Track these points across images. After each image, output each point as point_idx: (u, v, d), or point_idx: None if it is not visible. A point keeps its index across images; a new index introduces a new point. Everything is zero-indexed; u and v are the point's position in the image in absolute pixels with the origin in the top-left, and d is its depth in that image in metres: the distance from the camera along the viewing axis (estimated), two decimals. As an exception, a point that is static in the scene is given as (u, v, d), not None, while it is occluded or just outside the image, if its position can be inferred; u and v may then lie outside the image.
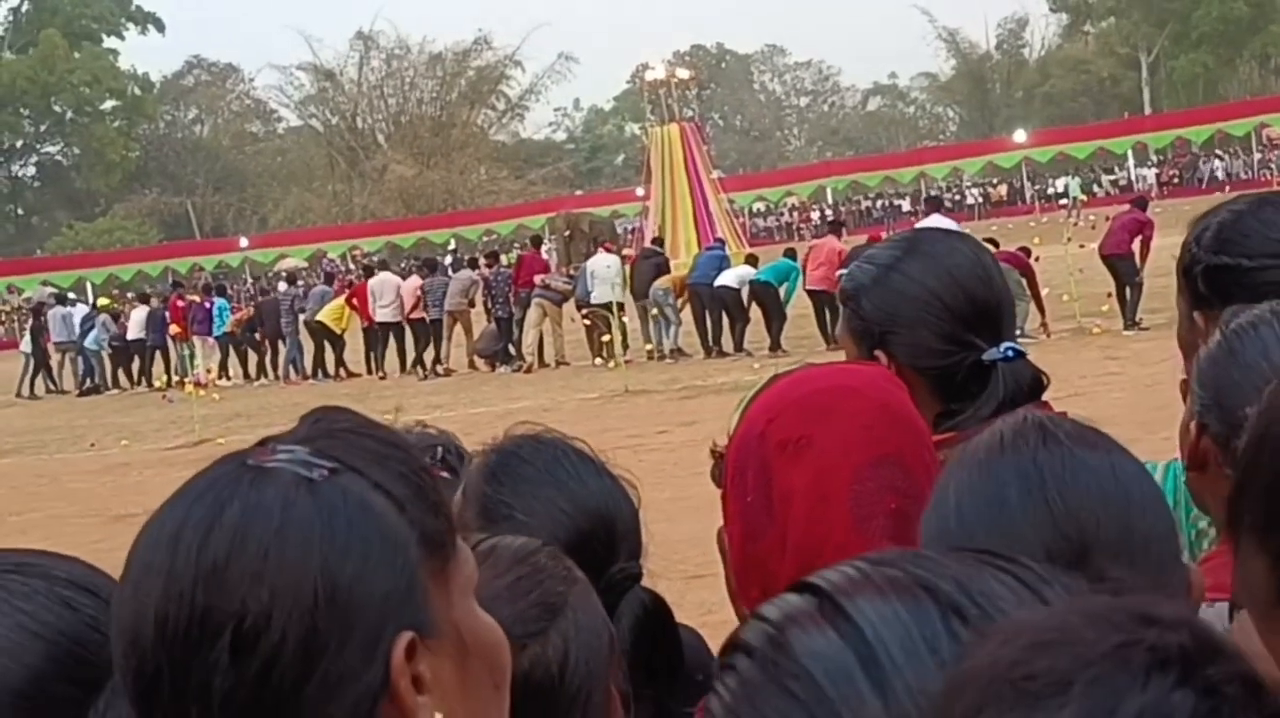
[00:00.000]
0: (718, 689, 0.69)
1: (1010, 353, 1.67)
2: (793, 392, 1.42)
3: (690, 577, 6.92)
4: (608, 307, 18.68)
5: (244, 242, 58.95)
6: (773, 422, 1.38)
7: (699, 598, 6.11)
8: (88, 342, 25.68)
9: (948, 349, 1.67)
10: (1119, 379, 12.84)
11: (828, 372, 1.50)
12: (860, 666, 0.63)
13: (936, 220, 16.69)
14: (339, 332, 22.26)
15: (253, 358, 24.05)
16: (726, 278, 18.70)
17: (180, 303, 24.67)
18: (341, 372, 22.37)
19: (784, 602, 0.69)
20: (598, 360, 19.20)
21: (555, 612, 1.18)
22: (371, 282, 22.25)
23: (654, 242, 22.88)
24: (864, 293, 1.73)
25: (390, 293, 21.66)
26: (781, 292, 18.53)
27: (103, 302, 27.48)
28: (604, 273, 19.53)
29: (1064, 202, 49.53)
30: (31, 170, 78.09)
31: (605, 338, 18.75)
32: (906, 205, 57.27)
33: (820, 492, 1.34)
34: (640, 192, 42.41)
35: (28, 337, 27.37)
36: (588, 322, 19.78)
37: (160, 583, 0.82)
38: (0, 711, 0.99)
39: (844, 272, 11.37)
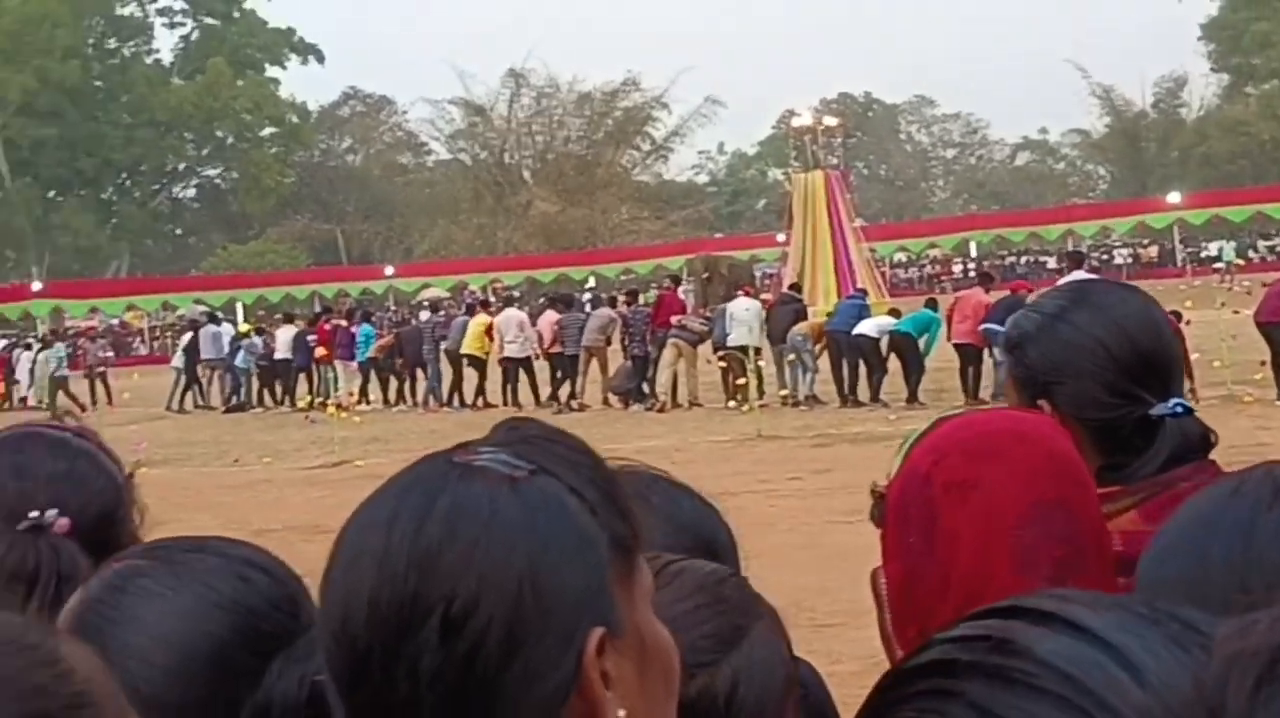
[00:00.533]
0: None
1: (1179, 408, 1.64)
2: (959, 434, 1.42)
3: (818, 625, 6.87)
4: (744, 350, 18.68)
5: (389, 270, 60.21)
6: (938, 463, 1.38)
7: (826, 647, 6.07)
8: (237, 360, 26.41)
9: (1114, 402, 1.65)
10: (1269, 450, 12.43)
11: (994, 416, 1.50)
12: (1108, 657, 0.59)
13: (1079, 278, 16.38)
14: (484, 357, 22.54)
15: (393, 384, 24.49)
16: (865, 327, 18.56)
17: (327, 326, 25.23)
18: (479, 401, 22.66)
19: (985, 624, 0.62)
20: (731, 403, 19.17)
21: (730, 644, 1.18)
22: (497, 319, 22.55)
23: (791, 287, 22.78)
24: (1029, 341, 1.72)
25: (514, 329, 21.96)
26: (922, 343, 18.32)
27: (243, 327, 28.27)
28: (743, 316, 19.54)
29: (1218, 265, 48.22)
30: (192, 192, 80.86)
31: (740, 381, 18.72)
32: (1052, 263, 56.28)
33: (985, 535, 1.34)
34: (780, 237, 42.40)
35: (180, 353, 28.25)
36: (723, 364, 19.80)
37: (374, 566, 0.85)
38: (190, 677, 1.08)
39: (987, 326, 11.17)
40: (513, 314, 22.86)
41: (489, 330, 22.34)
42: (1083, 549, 1.36)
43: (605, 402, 20.99)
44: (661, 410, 19.69)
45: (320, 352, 24.33)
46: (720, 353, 19.86)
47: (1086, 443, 1.60)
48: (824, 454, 14.40)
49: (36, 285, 54.27)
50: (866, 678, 0.69)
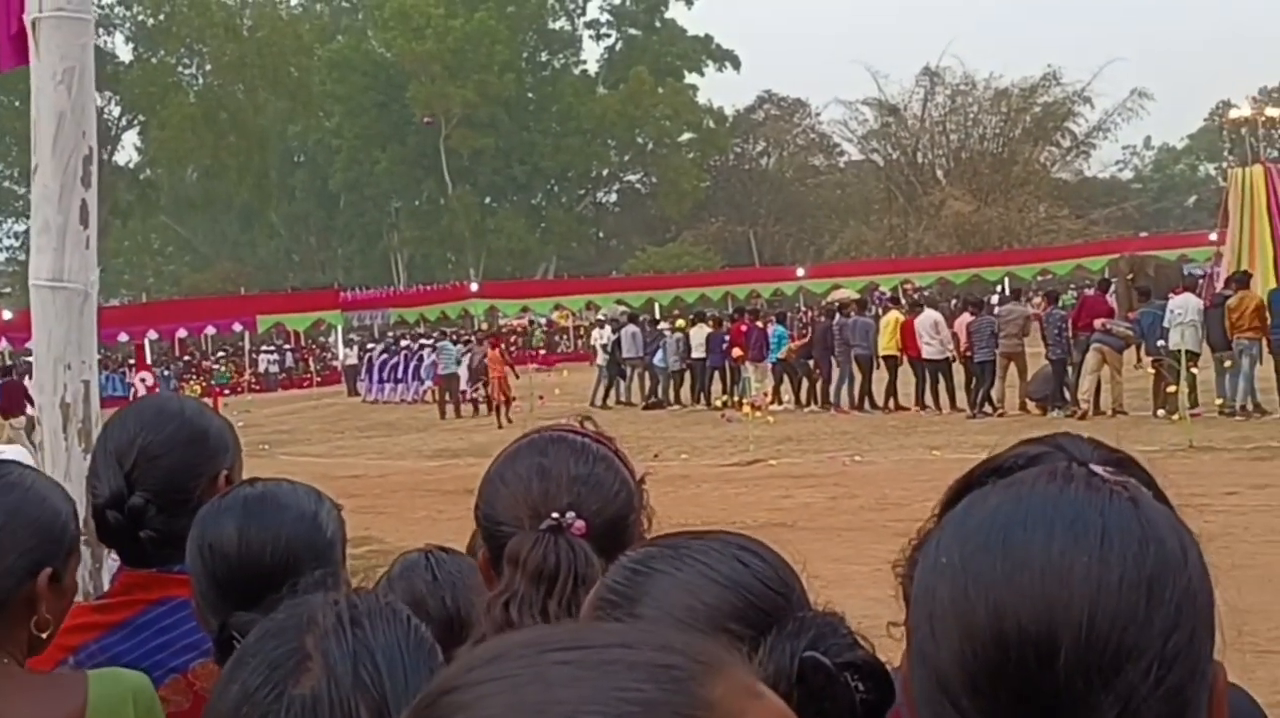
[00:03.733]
0: None
1: None
2: None
3: (1260, 651, 6.53)
4: (1177, 355, 17.74)
5: (800, 271, 60.71)
6: None
7: (1271, 675, 5.77)
8: (655, 359, 27.39)
9: None
10: None
11: None
12: None
13: None
14: (898, 353, 22.42)
15: (805, 384, 24.72)
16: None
17: (743, 327, 25.78)
18: (891, 403, 22.57)
19: None
20: (1160, 412, 18.28)
21: None
22: (917, 320, 22.33)
23: (1234, 278, 21.24)
24: None
25: (930, 330, 21.68)
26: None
27: (680, 323, 29.23)
28: (1182, 316, 18.45)
29: None
30: (614, 197, 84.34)
31: (1171, 389, 17.81)
32: None
33: None
34: (1213, 236, 39.90)
35: (603, 352, 29.55)
36: (1154, 369, 18.89)
37: (1090, 586, 0.84)
38: (711, 632, 1.19)
39: None
40: (930, 315, 22.61)
41: (903, 329, 22.19)
42: None
43: (1022, 407, 20.43)
44: (1082, 418, 18.98)
45: (736, 352, 24.91)
46: (1152, 358, 18.94)
47: None
48: (1264, 468, 13.53)
49: (474, 286, 58.11)
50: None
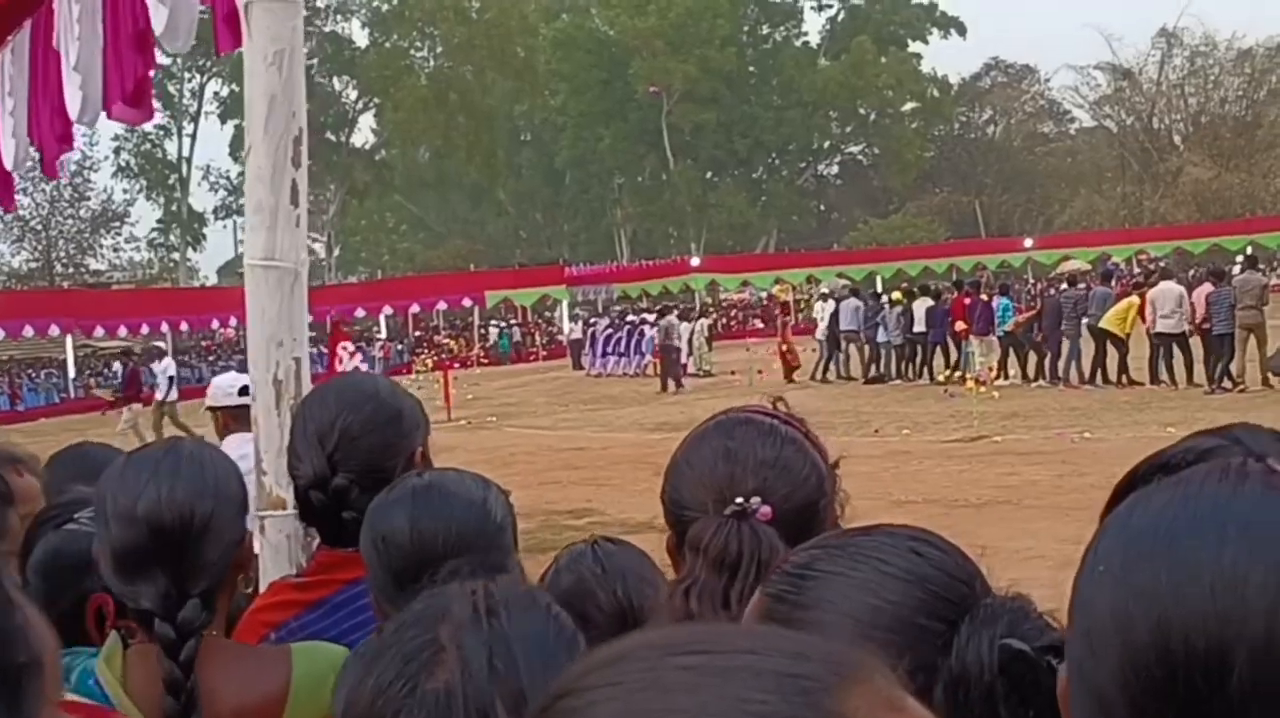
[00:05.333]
0: None
1: None
2: None
3: None
4: None
5: (1028, 242, 59.03)
6: None
7: None
8: (877, 334, 27.02)
9: None
10: None
11: None
12: None
13: None
14: (1124, 336, 21.64)
15: (1032, 359, 24.06)
16: None
17: (966, 300, 25.20)
18: (1123, 378, 21.78)
19: None
20: None
21: None
22: (1152, 292, 21.46)
23: None
24: None
25: (1171, 302, 20.75)
26: None
27: (896, 296, 28.83)
28: None
29: None
30: (835, 169, 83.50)
31: None
32: None
33: None
34: None
35: (824, 325, 29.33)
36: None
37: (1267, 602, 0.76)
38: (875, 644, 1.11)
39: None
40: (1170, 288, 21.63)
41: (1140, 311, 21.33)
42: None
43: (1265, 382, 19.43)
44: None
45: (959, 325, 24.39)
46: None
47: None
48: None
49: (695, 261, 58.34)
50: None
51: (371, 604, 1.90)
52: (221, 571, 1.88)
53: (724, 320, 53.15)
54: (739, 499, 1.53)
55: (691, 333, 32.49)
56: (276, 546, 2.57)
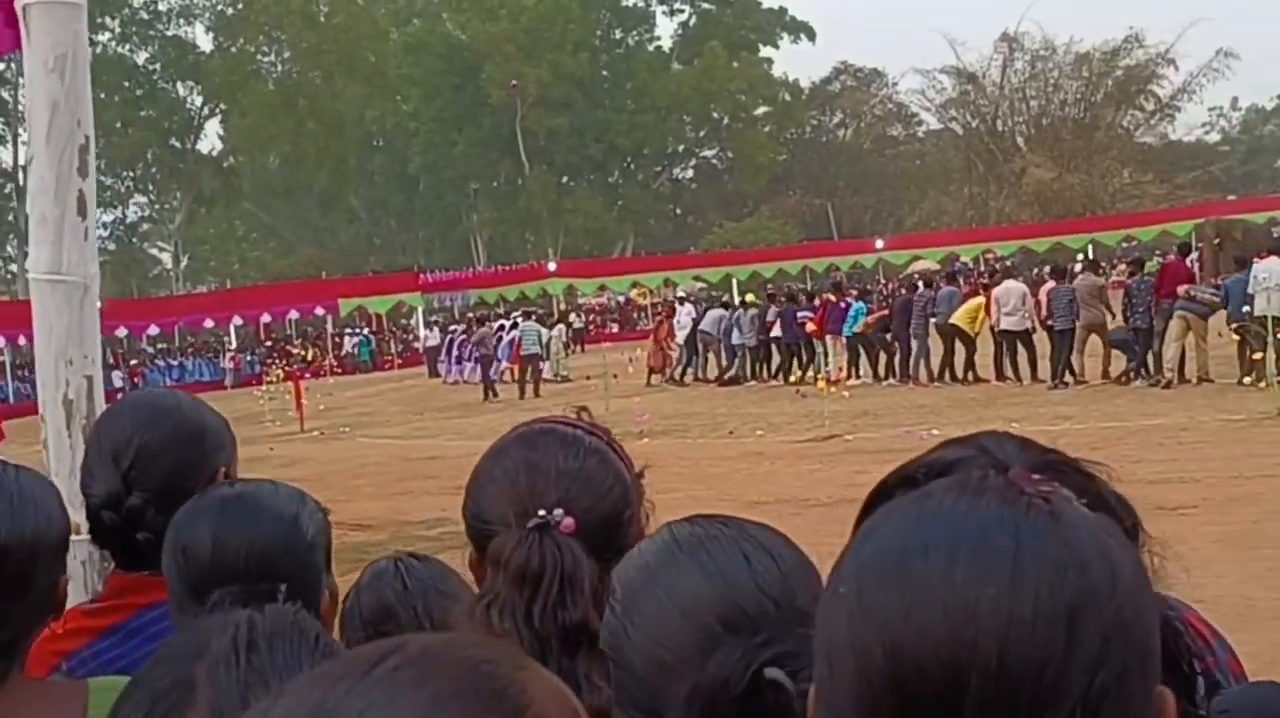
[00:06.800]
0: None
1: None
2: None
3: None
4: (1263, 321, 17.29)
5: (879, 243, 60.14)
6: None
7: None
8: (732, 336, 27.23)
9: None
10: None
11: None
12: None
13: None
14: (973, 334, 22.15)
15: (883, 358, 24.47)
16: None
17: (818, 302, 25.53)
18: (970, 376, 22.27)
19: None
20: (1246, 380, 17.85)
21: None
22: (996, 290, 22.02)
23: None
24: None
25: (1014, 300, 21.32)
26: None
27: (750, 298, 29.13)
28: (1266, 281, 17.98)
29: None
30: (690, 173, 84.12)
31: (1257, 355, 17.37)
32: None
33: None
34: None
35: (683, 330, 29.47)
36: (1238, 336, 18.44)
37: (998, 618, 0.74)
38: (671, 625, 1.16)
39: None
40: (1013, 286, 22.19)
41: (986, 309, 21.85)
42: None
43: (1105, 376, 20.06)
44: (1167, 387, 18.61)
45: (810, 327, 24.70)
46: (1234, 325, 18.49)
47: None
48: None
49: (552, 266, 58.24)
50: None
51: (172, 628, 1.80)
52: (32, 620, 1.75)
53: (584, 325, 53.14)
54: (541, 512, 1.48)
55: (549, 339, 32.38)
56: (71, 572, 2.43)
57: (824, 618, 0.81)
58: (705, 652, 1.13)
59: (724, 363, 27.68)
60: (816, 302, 26.27)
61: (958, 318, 22.11)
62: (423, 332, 48.75)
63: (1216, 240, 27.64)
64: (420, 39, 74.02)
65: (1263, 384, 16.71)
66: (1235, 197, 63.60)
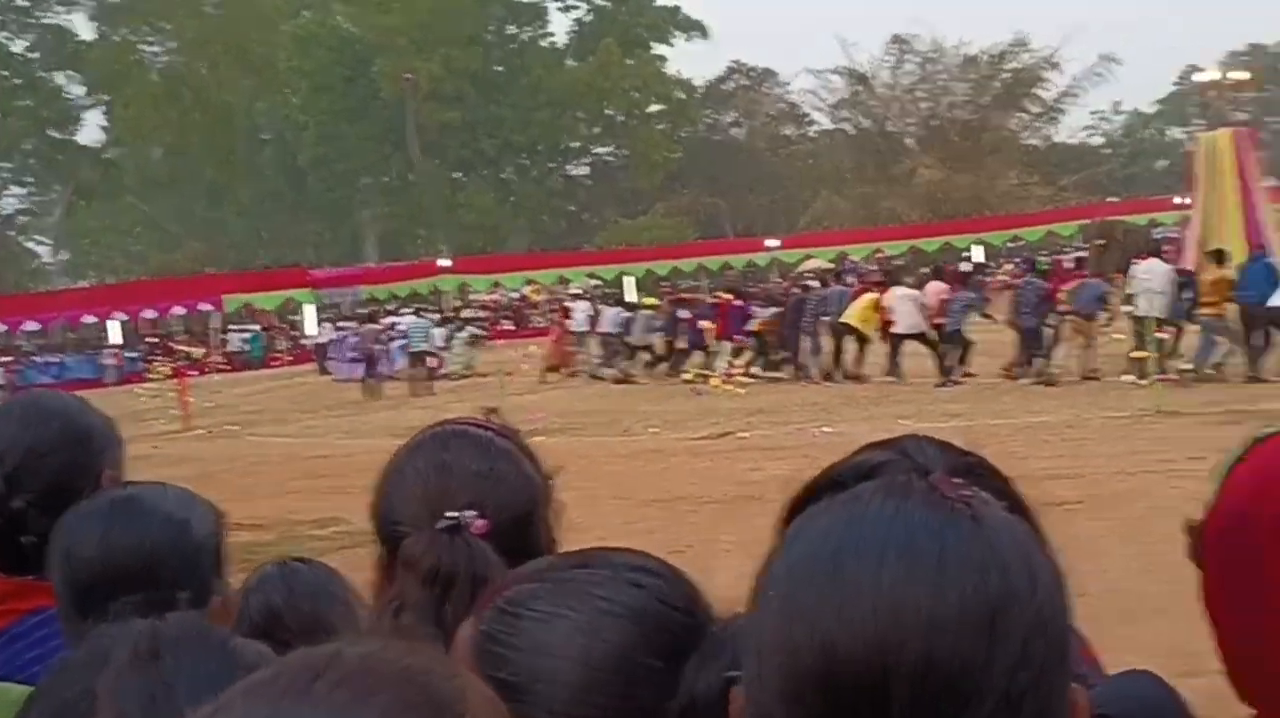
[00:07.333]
0: None
1: None
2: None
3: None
4: (1143, 321, 17.75)
5: (772, 242, 60.57)
6: (1260, 495, 1.20)
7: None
8: (629, 335, 27.25)
9: None
10: None
11: None
12: None
13: None
14: (867, 332, 22.38)
15: (777, 356, 24.64)
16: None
17: (712, 301, 25.68)
18: (861, 373, 22.52)
19: None
20: (1129, 377, 18.29)
21: None
22: (887, 296, 22.27)
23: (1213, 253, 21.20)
24: None
25: (903, 303, 21.63)
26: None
27: (650, 300, 29.22)
28: (1148, 282, 18.45)
29: None
30: (585, 170, 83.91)
31: (1138, 354, 17.81)
32: None
33: None
34: (1181, 200, 39.94)
35: (578, 327, 29.46)
36: (1121, 336, 18.90)
37: (922, 619, 0.75)
38: (601, 690, 1.08)
39: None
40: (905, 291, 22.45)
41: (876, 306, 22.10)
42: None
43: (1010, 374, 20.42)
44: (1050, 384, 19.00)
45: (706, 325, 24.81)
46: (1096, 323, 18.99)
47: None
48: (1231, 432, 13.40)
49: (444, 262, 57.73)
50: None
51: (60, 634, 1.74)
52: None
53: (479, 321, 52.79)
54: (452, 513, 1.47)
55: (461, 339, 32.34)
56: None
57: (753, 619, 0.82)
58: (659, 687, 1.08)
59: (622, 360, 27.70)
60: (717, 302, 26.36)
61: (851, 316, 22.35)
62: (312, 329, 48.04)
63: (1101, 241, 28.25)
64: (310, 31, 72.93)
65: (1145, 382, 17.13)
66: (1118, 198, 65.20)
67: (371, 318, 34.61)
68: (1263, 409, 14.70)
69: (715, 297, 26.65)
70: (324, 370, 38.33)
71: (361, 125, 71.77)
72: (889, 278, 24.46)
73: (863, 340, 22.52)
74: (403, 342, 31.07)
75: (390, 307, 46.54)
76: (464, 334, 33.30)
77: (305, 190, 76.26)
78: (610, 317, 28.14)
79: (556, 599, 1.11)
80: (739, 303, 25.27)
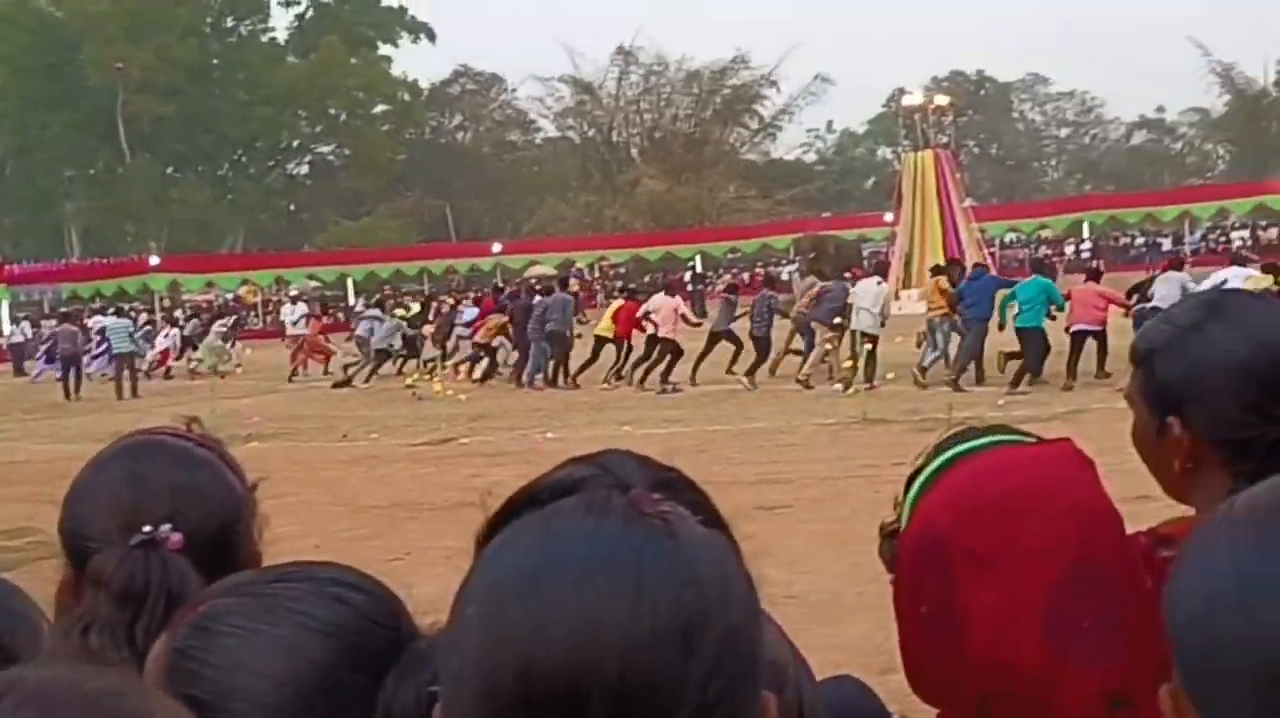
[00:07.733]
0: None
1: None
2: (978, 494, 1.33)
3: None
4: (854, 335, 18.59)
5: (497, 247, 60.51)
6: (956, 527, 1.29)
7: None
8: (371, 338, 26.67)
9: (1250, 421, 1.49)
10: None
11: (1012, 462, 1.40)
12: None
13: (1235, 272, 16.41)
14: (611, 338, 22.71)
15: (498, 361, 24.65)
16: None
17: (437, 305, 25.48)
18: (576, 381, 22.76)
19: None
20: (837, 385, 19.05)
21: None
22: (649, 302, 22.46)
23: (950, 263, 22.35)
24: (1160, 355, 1.56)
25: (666, 310, 21.91)
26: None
27: (400, 311, 28.90)
28: (865, 300, 19.35)
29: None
30: (305, 169, 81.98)
31: (847, 363, 18.59)
32: (1168, 244, 55.06)
33: (1010, 610, 1.27)
34: (889, 217, 41.92)
35: (293, 328, 28.78)
36: (829, 344, 19.68)
37: (620, 636, 0.76)
38: (301, 709, 1.05)
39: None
40: (666, 299, 22.61)
41: (616, 314, 22.50)
42: (1121, 599, 1.28)
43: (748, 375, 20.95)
44: (809, 386, 19.68)
45: (428, 329, 24.60)
46: (829, 335, 19.77)
47: (1215, 465, 1.49)
48: (931, 439, 14.18)
49: (154, 260, 55.28)
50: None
51: None
52: None
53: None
54: (147, 528, 1.39)
55: (210, 336, 31.23)
56: None
57: (452, 638, 0.81)
58: (361, 703, 1.05)
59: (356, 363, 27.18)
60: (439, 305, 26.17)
61: (603, 329, 22.82)
62: (7, 327, 45.29)
63: (812, 254, 29.39)
64: (9, 13, 68.67)
65: (851, 391, 17.87)
66: (829, 214, 67.92)
67: (69, 317, 32.86)
68: (959, 418, 15.51)
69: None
70: (20, 371, 36.28)
71: (66, 114, 68.07)
72: (626, 287, 24.82)
73: (597, 349, 22.89)
74: (105, 343, 29.66)
75: (95, 305, 44.38)
76: (214, 330, 32.00)
77: (3, 180, 71.92)
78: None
79: (255, 615, 1.08)
80: (455, 305, 25.17)
